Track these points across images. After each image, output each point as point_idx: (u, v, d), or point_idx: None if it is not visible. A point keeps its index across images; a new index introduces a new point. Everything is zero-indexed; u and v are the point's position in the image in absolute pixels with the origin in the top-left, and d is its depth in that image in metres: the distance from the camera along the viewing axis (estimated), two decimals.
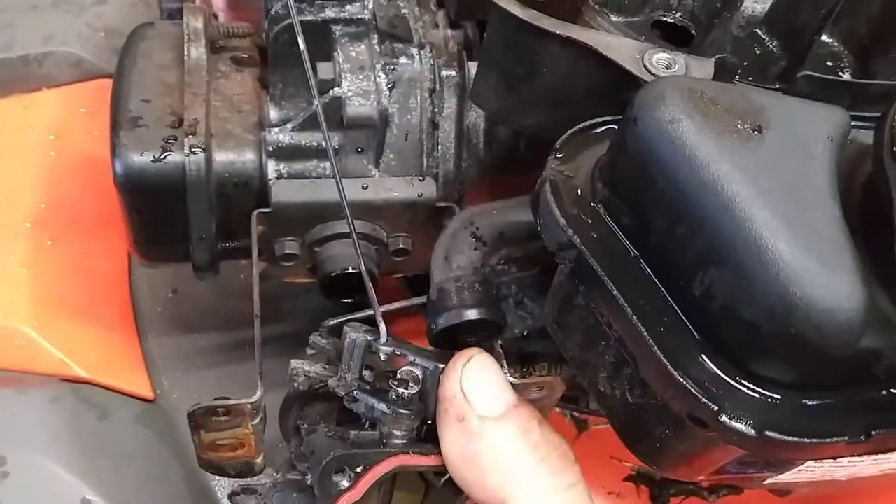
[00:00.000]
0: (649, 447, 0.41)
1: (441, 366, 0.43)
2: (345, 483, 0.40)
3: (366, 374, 0.44)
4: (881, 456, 0.39)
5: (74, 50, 0.73)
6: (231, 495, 0.49)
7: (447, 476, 0.41)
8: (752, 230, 0.32)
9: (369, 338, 0.44)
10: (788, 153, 0.33)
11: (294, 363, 0.45)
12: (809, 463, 0.39)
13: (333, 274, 0.54)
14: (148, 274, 0.68)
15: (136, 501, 0.58)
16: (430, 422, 0.44)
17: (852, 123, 0.39)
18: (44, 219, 0.66)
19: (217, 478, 0.62)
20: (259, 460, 0.49)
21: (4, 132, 0.69)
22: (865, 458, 0.39)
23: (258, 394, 0.45)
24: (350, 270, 0.54)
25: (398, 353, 0.44)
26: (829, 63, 0.51)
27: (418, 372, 0.43)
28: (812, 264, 0.31)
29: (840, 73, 0.50)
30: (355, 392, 0.43)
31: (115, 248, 0.68)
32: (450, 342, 0.47)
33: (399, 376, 0.44)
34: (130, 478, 0.59)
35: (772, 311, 0.32)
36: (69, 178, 0.68)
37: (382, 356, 0.44)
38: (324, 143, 0.53)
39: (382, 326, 0.44)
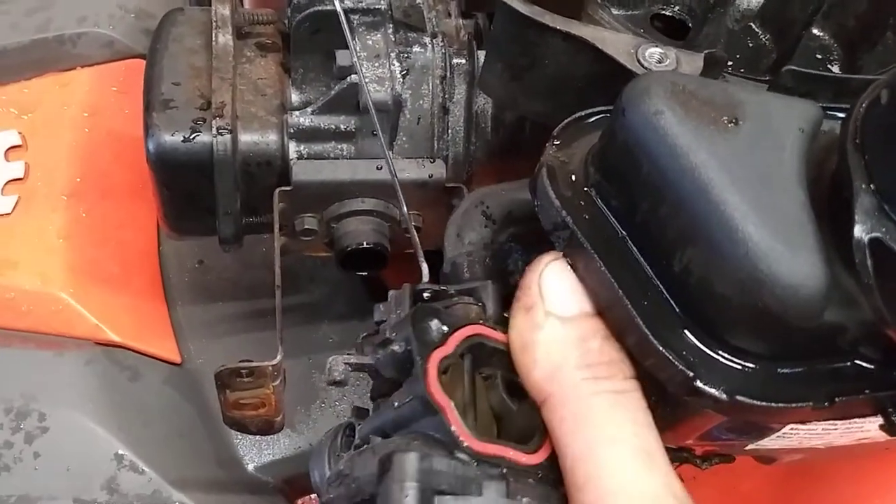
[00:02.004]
0: None
1: (489, 282, 0.43)
2: (436, 335, 0.39)
3: None
4: (853, 424, 0.42)
5: (106, 31, 0.76)
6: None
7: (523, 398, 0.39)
8: (724, 213, 0.34)
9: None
10: (761, 143, 0.36)
11: (332, 357, 0.46)
12: (785, 430, 0.42)
13: (349, 248, 0.57)
14: (176, 246, 0.72)
15: (164, 455, 0.62)
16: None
17: (834, 115, 0.42)
18: (79, 192, 0.69)
19: (238, 435, 0.66)
20: (279, 419, 0.53)
21: (42, 109, 0.72)
22: (838, 426, 0.42)
23: (279, 357, 0.49)
24: (365, 245, 0.57)
25: (445, 288, 0.44)
26: (819, 56, 0.53)
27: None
28: (777, 244, 0.34)
29: (829, 66, 0.53)
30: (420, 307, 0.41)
31: (144, 220, 0.71)
32: None
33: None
34: (159, 434, 0.63)
35: (741, 286, 0.35)
36: (102, 154, 0.71)
37: (426, 295, 0.44)
38: (342, 126, 0.57)
39: (425, 267, 0.46)
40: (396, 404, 0.40)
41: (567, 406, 0.36)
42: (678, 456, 0.72)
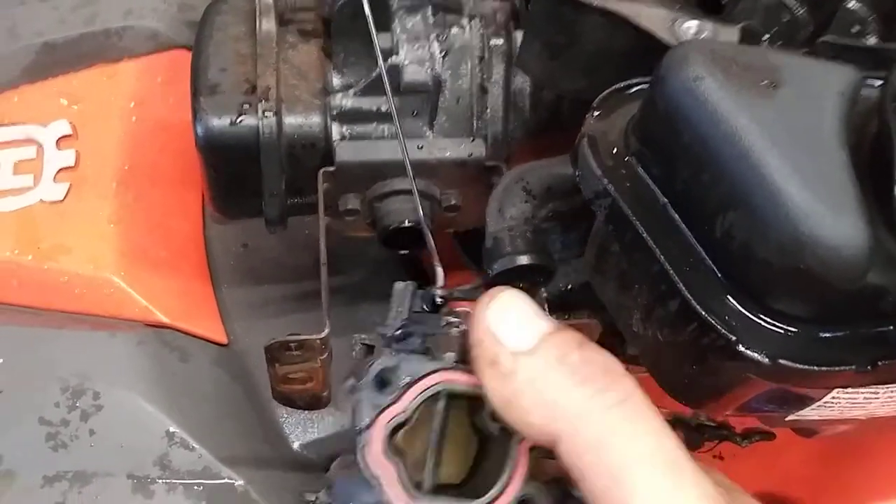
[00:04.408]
0: (678, 383, 0.44)
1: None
2: (387, 398, 0.36)
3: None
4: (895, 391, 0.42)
5: (151, 23, 0.78)
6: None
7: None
8: (765, 176, 0.35)
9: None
10: (801, 107, 0.37)
11: (355, 335, 0.48)
12: (826, 398, 0.42)
13: (392, 227, 0.58)
14: (221, 230, 0.73)
15: (214, 433, 0.63)
16: None
17: (873, 83, 0.42)
18: (127, 179, 0.71)
19: (283, 413, 0.67)
20: (325, 394, 0.54)
21: (91, 100, 0.74)
22: (880, 394, 0.42)
23: (326, 331, 0.50)
24: (407, 224, 0.58)
25: (456, 294, 0.43)
26: (856, 28, 0.53)
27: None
28: (819, 206, 0.34)
29: (866, 38, 0.53)
30: (407, 327, 0.41)
31: (191, 206, 0.73)
32: None
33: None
34: (208, 413, 0.65)
35: (783, 249, 0.35)
36: (149, 143, 0.73)
37: (438, 300, 0.42)
38: (383, 108, 0.58)
39: (440, 271, 0.44)
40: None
41: (583, 435, 0.33)
42: (718, 434, 0.72)
